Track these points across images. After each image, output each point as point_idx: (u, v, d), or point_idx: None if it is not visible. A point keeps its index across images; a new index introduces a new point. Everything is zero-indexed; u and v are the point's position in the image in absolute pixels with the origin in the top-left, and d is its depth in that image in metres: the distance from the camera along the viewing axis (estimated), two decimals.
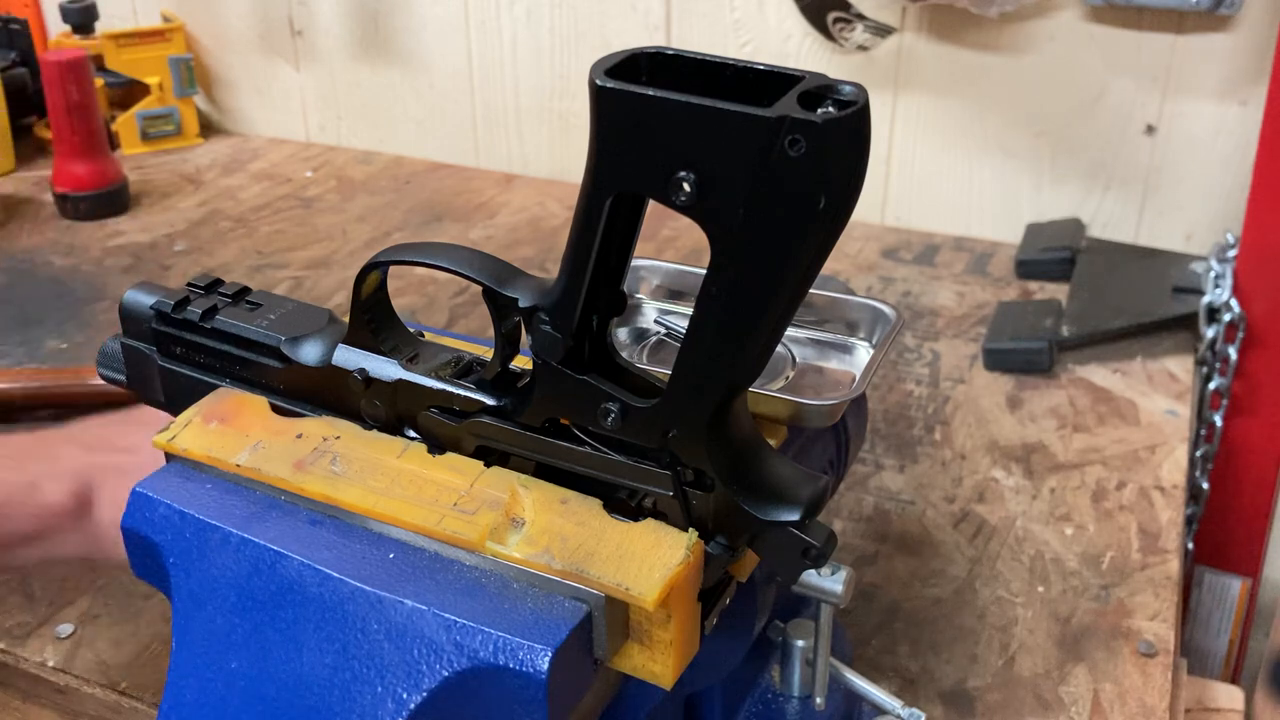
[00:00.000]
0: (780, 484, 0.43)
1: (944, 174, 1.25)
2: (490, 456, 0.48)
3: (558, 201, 1.37)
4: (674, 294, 0.60)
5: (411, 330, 0.52)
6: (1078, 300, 1.09)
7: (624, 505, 0.45)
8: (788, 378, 0.54)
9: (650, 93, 0.36)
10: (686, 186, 0.36)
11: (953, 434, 0.93)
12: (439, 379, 0.49)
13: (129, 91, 1.54)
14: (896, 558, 0.79)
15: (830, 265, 0.64)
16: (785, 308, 0.39)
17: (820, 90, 0.36)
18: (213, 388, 0.54)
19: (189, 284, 0.56)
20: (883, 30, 1.21)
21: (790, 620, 0.59)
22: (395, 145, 1.53)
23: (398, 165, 1.50)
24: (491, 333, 0.47)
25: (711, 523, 0.44)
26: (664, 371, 0.43)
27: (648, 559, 0.42)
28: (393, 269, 0.49)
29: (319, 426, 0.50)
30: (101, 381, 0.59)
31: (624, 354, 0.45)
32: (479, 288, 0.45)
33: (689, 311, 0.39)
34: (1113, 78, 1.14)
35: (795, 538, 0.43)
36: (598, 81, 0.37)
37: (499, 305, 0.45)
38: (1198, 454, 1.06)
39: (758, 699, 0.60)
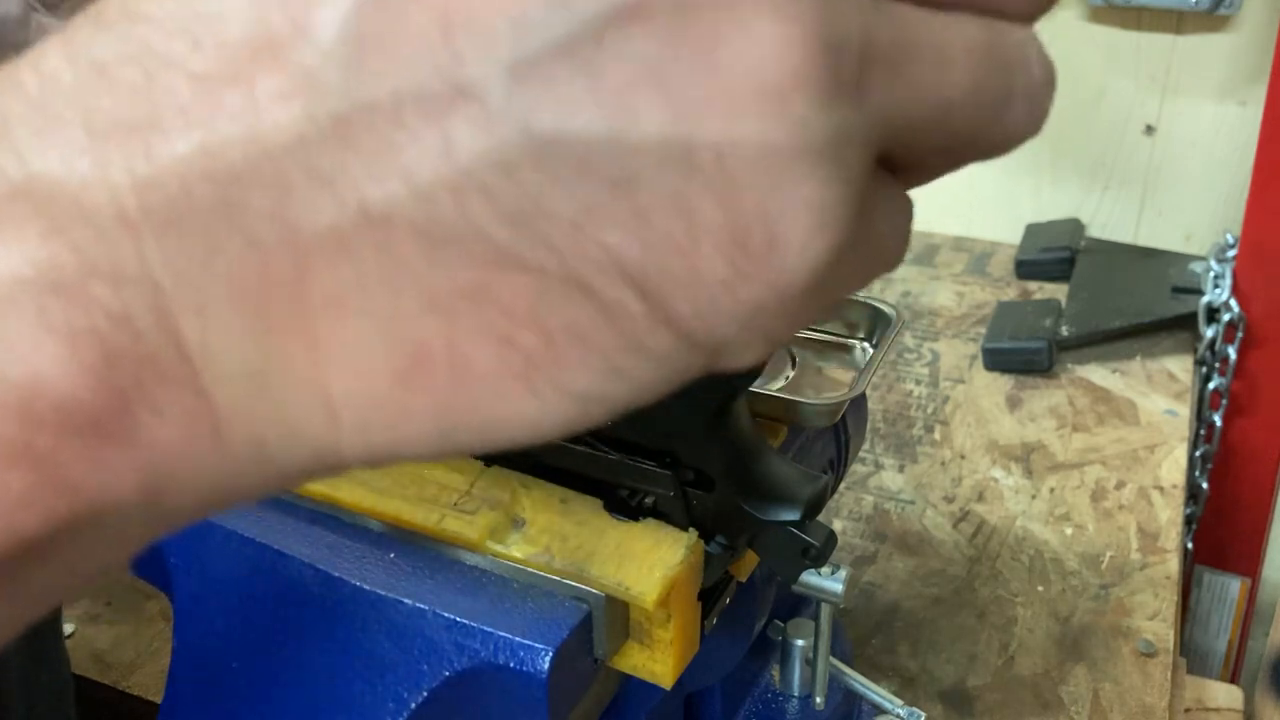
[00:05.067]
0: (780, 484, 0.43)
1: None
2: (490, 456, 0.48)
3: None
4: None
5: None
6: (1077, 300, 1.09)
7: (624, 505, 0.45)
8: (788, 378, 0.54)
9: None
10: None
11: (952, 434, 0.93)
12: None
13: None
14: (896, 557, 0.79)
15: None
16: None
17: None
18: None
19: None
20: None
21: (790, 620, 0.59)
22: None
23: None
24: None
25: (711, 523, 0.44)
26: None
27: (648, 559, 0.42)
28: None
29: None
30: None
31: None
32: None
33: None
34: (1112, 78, 1.14)
35: (795, 537, 0.43)
36: None
37: None
38: (1197, 454, 1.06)
39: (757, 698, 0.60)
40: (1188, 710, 0.80)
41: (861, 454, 0.90)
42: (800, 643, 0.58)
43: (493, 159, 0.18)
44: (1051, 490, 0.86)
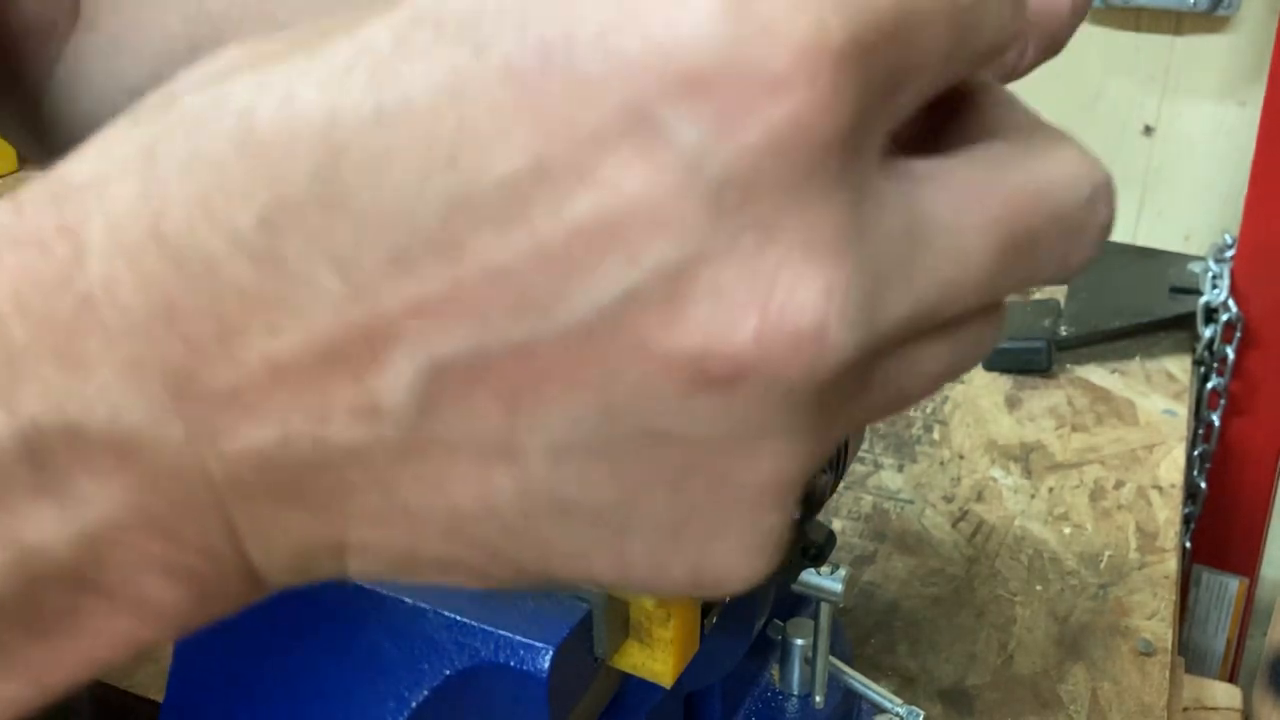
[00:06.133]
0: None
1: None
2: None
3: None
4: None
5: None
6: (1076, 300, 1.09)
7: None
8: None
9: None
10: None
11: (951, 433, 0.93)
12: None
13: None
14: (895, 557, 0.79)
15: None
16: None
17: None
18: None
19: None
20: None
21: (790, 619, 0.59)
22: None
23: None
24: None
25: None
26: None
27: None
28: None
29: None
30: None
31: None
32: None
33: None
34: (1111, 78, 1.15)
35: (795, 537, 0.43)
36: None
37: None
38: (1195, 453, 1.06)
39: (757, 697, 0.60)
40: (1186, 709, 0.80)
41: (861, 454, 0.90)
42: (800, 642, 0.58)
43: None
44: (1050, 490, 0.86)
